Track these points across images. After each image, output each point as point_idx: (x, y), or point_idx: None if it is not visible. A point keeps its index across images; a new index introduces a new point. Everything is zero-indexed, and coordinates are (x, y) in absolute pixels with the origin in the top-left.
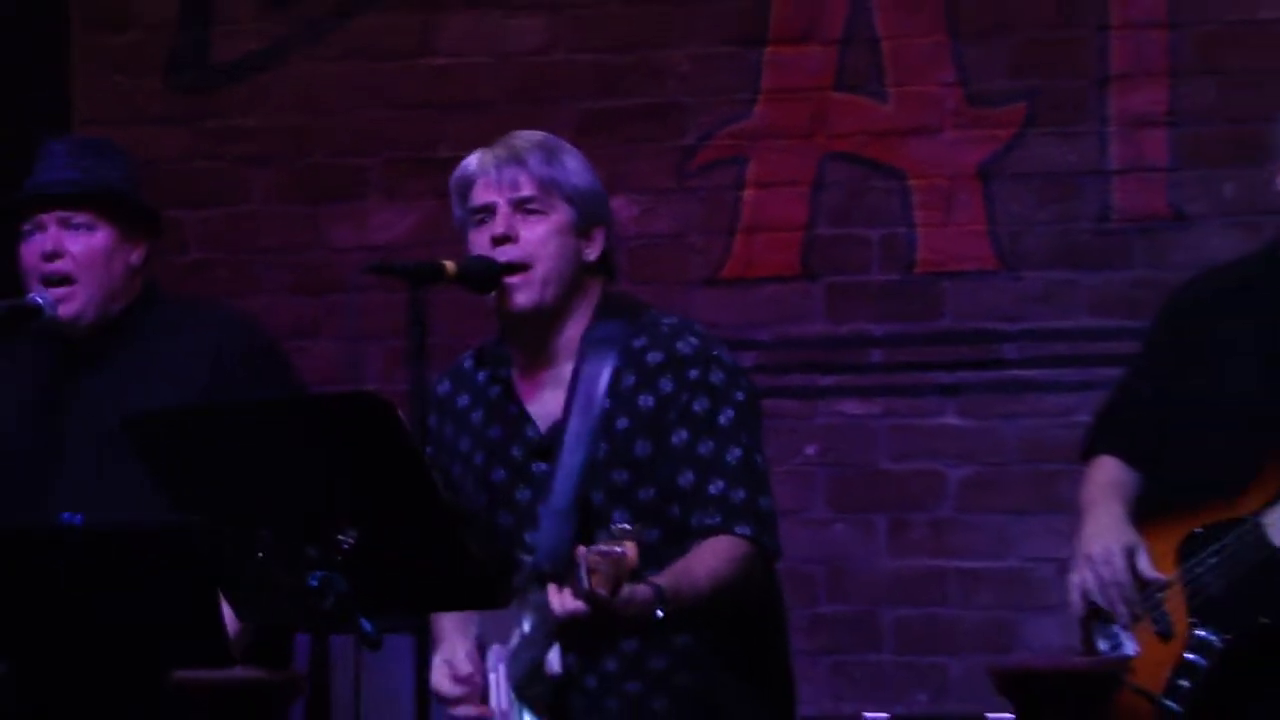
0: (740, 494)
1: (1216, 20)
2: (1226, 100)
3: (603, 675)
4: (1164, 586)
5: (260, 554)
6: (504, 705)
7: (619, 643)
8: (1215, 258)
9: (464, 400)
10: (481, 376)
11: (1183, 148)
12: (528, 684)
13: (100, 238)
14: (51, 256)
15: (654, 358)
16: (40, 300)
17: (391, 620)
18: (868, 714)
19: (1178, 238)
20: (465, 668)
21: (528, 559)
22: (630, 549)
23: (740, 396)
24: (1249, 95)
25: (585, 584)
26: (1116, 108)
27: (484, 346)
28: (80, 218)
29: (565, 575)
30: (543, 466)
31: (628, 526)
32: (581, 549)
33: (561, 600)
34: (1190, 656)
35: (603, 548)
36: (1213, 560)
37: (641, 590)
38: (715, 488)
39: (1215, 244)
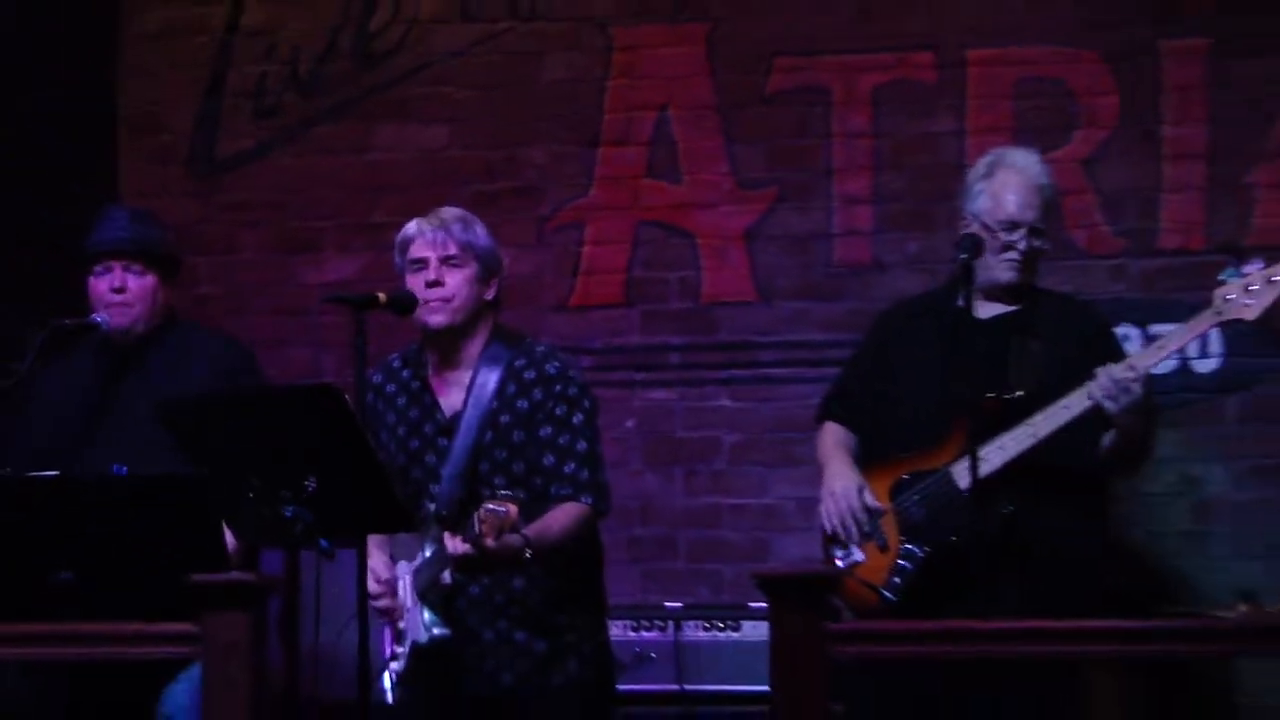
0: (585, 474)
1: (904, 133)
2: (911, 187)
3: (482, 586)
4: (882, 514)
5: (251, 494)
6: (409, 604)
7: (496, 571)
8: (904, 293)
9: (392, 388)
10: (406, 374)
11: (882, 218)
12: (427, 591)
13: (149, 279)
14: (118, 290)
15: (530, 375)
16: (99, 319)
17: (340, 540)
18: (668, 603)
19: (878, 280)
20: (384, 574)
21: (431, 505)
22: (513, 510)
23: (587, 404)
24: (926, 183)
25: (476, 531)
26: (837, 191)
27: (408, 352)
28: (136, 265)
29: (460, 521)
30: (445, 441)
31: (509, 492)
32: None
33: (455, 544)
34: (901, 562)
35: (491, 506)
36: (916, 497)
37: (516, 539)
38: (569, 468)
39: (903, 284)
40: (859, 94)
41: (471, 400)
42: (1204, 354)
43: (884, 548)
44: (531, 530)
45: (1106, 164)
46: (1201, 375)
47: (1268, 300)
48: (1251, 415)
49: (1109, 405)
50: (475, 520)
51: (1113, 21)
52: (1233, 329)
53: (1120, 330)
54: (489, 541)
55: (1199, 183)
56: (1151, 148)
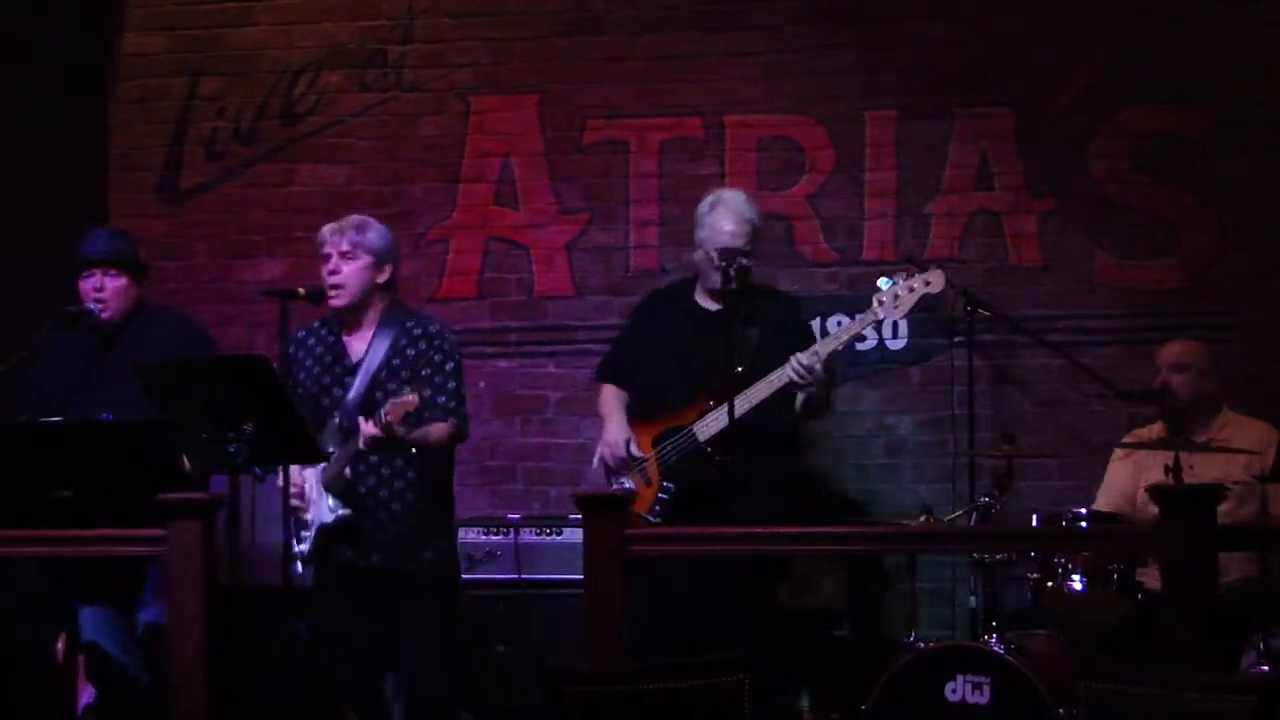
0: (453, 404)
1: (681, 175)
2: (685, 214)
3: (369, 486)
4: (646, 459)
5: (204, 434)
6: (314, 495)
7: (398, 453)
8: None
9: (311, 341)
10: (324, 330)
11: (664, 236)
12: (331, 482)
13: (123, 281)
14: (99, 290)
15: (418, 331)
16: (90, 308)
17: (269, 467)
18: (509, 515)
19: (662, 280)
20: (297, 481)
21: (335, 421)
22: (413, 399)
23: (457, 356)
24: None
25: (384, 419)
26: (633, 216)
27: (328, 317)
28: (113, 270)
29: (369, 415)
30: (350, 379)
31: (409, 387)
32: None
33: (368, 427)
34: (661, 494)
35: (395, 400)
36: (670, 447)
37: (411, 437)
38: (440, 399)
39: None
40: (649, 146)
41: (371, 350)
42: (895, 336)
43: (649, 483)
44: (417, 434)
45: (824, 199)
46: (894, 351)
47: (909, 305)
48: (928, 380)
49: (798, 380)
50: (382, 411)
51: (829, 96)
52: (915, 318)
53: (835, 318)
54: (393, 422)
55: (891, 212)
56: (857, 187)
